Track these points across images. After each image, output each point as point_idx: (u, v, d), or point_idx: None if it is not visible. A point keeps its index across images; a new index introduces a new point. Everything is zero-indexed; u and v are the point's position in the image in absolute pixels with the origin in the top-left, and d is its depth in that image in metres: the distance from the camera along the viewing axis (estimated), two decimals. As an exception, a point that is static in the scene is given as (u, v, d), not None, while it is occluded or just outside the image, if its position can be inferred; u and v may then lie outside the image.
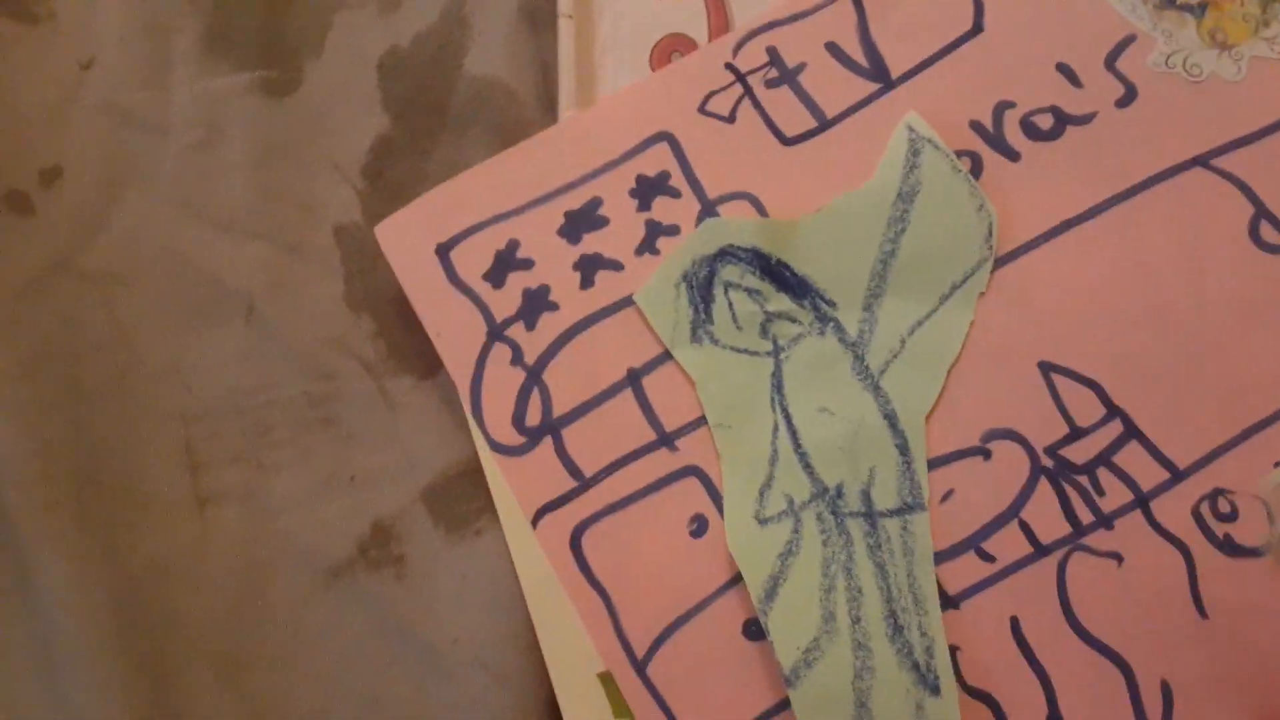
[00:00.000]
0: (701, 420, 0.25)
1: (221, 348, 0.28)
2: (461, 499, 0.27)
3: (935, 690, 0.22)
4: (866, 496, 0.23)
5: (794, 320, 0.25)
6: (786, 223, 0.25)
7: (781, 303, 0.25)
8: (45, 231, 0.28)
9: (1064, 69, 0.26)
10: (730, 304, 0.25)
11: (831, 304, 0.24)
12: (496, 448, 0.26)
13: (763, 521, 0.23)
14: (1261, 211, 0.24)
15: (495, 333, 0.26)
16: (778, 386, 0.24)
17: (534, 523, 0.25)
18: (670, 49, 0.29)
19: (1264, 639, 0.21)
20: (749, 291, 0.25)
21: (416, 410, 0.27)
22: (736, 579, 0.24)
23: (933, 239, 0.24)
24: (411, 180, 0.28)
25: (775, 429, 0.24)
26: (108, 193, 0.29)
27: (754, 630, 0.23)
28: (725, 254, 0.25)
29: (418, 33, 0.30)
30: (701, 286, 0.25)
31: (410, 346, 0.27)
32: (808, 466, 0.23)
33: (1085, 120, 0.25)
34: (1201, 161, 0.25)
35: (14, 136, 0.29)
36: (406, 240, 0.27)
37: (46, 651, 0.25)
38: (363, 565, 0.26)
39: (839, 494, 0.23)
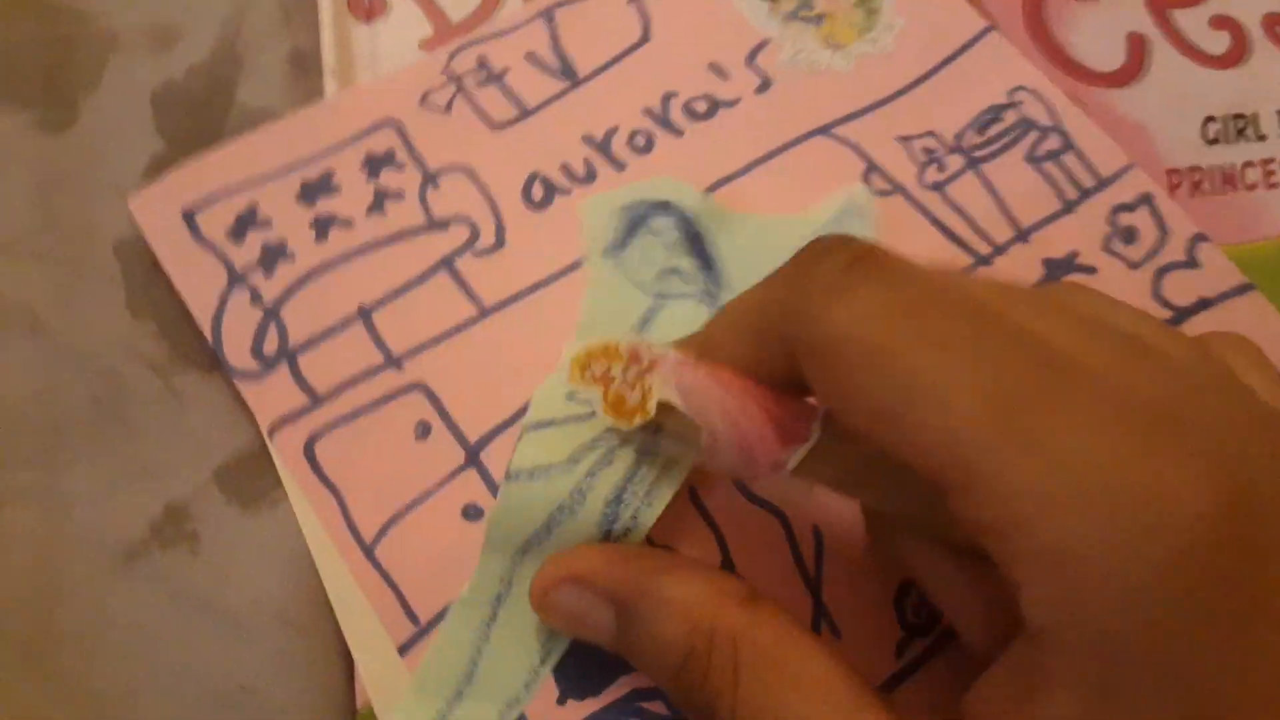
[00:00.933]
0: (426, 345, 0.29)
1: (7, 359, 0.30)
2: (254, 476, 0.29)
3: None
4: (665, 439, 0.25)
5: (684, 281, 0.29)
6: (726, 211, 0.30)
7: (683, 263, 0.29)
8: None
9: (714, 67, 0.33)
10: (645, 244, 0.30)
11: (720, 288, 0.29)
12: (235, 374, 0.29)
13: (575, 399, 0.26)
14: (871, 165, 0.32)
15: (235, 279, 0.30)
16: (644, 323, 0.29)
17: (270, 436, 0.28)
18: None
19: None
20: (665, 243, 0.30)
21: (203, 401, 0.30)
22: (456, 472, 0.28)
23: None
24: (188, 198, 0.31)
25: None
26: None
27: (471, 513, 0.27)
28: (666, 205, 0.30)
29: (190, 66, 0.33)
30: (633, 220, 0.30)
31: (193, 343, 0.30)
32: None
33: (732, 104, 0.33)
34: (822, 131, 0.32)
35: None
36: (157, 208, 0.30)
37: None
38: (157, 544, 0.28)
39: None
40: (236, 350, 0.29)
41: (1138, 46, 0.34)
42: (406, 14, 0.34)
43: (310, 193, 0.31)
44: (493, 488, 0.28)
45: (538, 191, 0.31)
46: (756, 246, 0.30)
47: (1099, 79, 0.34)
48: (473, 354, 0.29)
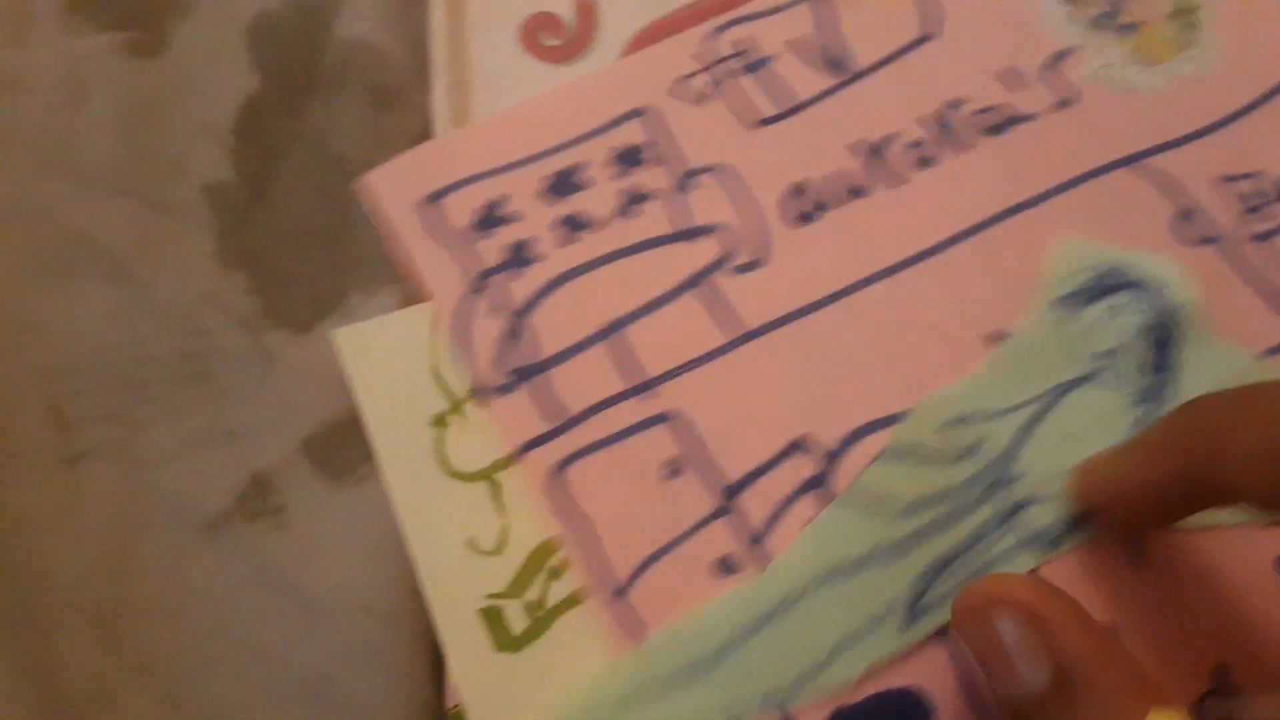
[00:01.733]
0: (680, 370, 0.26)
1: (88, 305, 0.28)
2: (343, 448, 0.27)
3: (907, 626, 0.23)
4: (1027, 503, 0.24)
5: (1119, 377, 0.26)
6: (1209, 331, 0.26)
7: (1133, 357, 0.26)
8: (-101, 191, 0.28)
9: (1008, 74, 0.29)
10: (1100, 316, 0.26)
11: (1161, 402, 0.25)
12: (480, 390, 0.26)
13: (954, 426, 0.25)
14: (1184, 209, 0.27)
15: (481, 279, 0.27)
16: (1057, 391, 0.25)
17: (519, 458, 0.26)
18: (537, 27, 0.30)
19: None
20: (1122, 326, 0.26)
21: (294, 364, 0.27)
22: (709, 520, 0.25)
23: None
24: (283, 139, 0.29)
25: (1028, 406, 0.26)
26: (-34, 151, 0.28)
27: (727, 567, 0.24)
28: (1143, 286, 0.26)
29: (286, -5, 0.30)
30: (1103, 286, 0.26)
31: (286, 302, 0.28)
32: (1020, 450, 0.25)
33: (1029, 119, 0.28)
34: (1130, 161, 0.28)
35: None
36: (397, 188, 0.28)
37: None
38: (241, 517, 0.26)
39: (1011, 482, 0.24)
40: (481, 361, 0.26)
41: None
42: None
43: (560, 187, 0.28)
44: (751, 538, 0.25)
45: (804, 204, 0.28)
46: (1212, 375, 0.26)
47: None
48: (732, 383, 0.26)
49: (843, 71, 0.29)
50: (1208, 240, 0.27)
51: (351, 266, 0.28)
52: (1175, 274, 0.26)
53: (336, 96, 0.29)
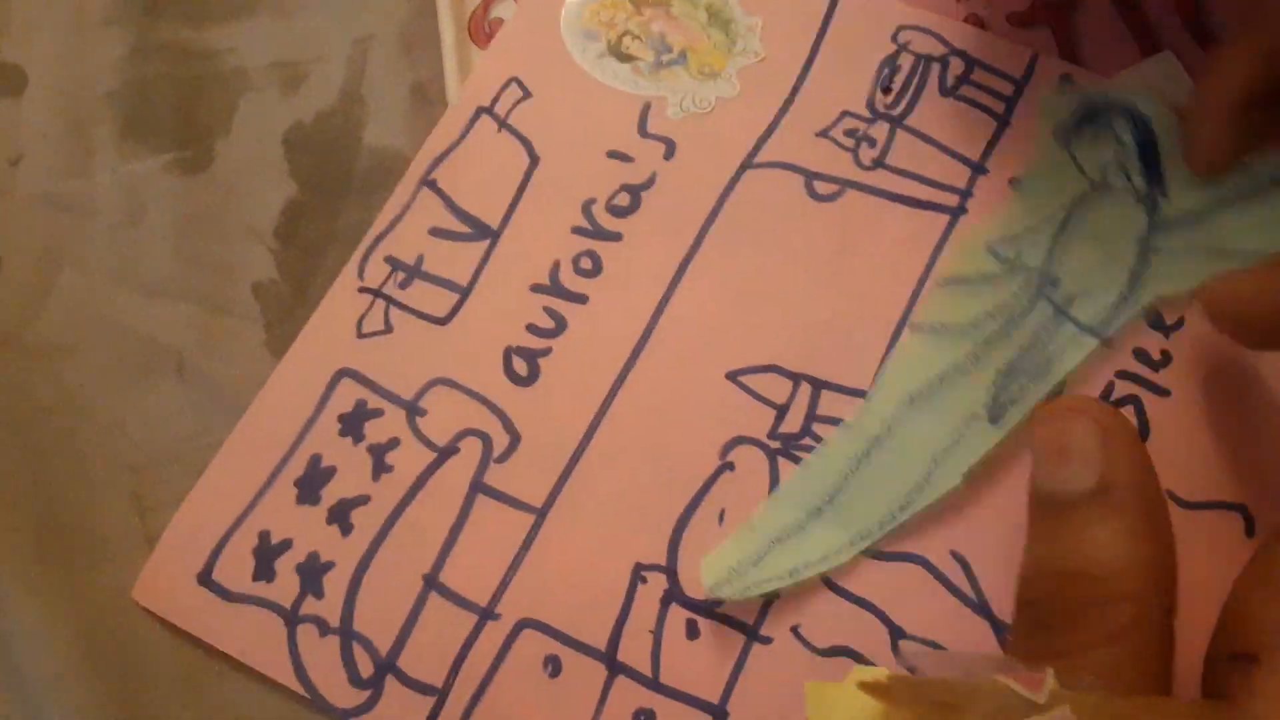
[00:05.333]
0: (506, 579, 0.27)
1: (160, 401, 0.31)
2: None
3: (995, 420, 0.27)
4: (1070, 300, 0.28)
5: (1128, 181, 0.29)
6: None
7: (1131, 168, 0.29)
8: (-9, 314, 0.31)
9: (614, 154, 0.31)
10: (1099, 137, 0.29)
11: (1165, 197, 0.28)
12: (349, 714, 0.26)
13: (994, 252, 0.29)
14: (809, 175, 0.30)
15: (292, 619, 0.27)
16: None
17: None
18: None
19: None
20: (1119, 144, 0.29)
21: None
22: (606, 688, 0.26)
23: None
24: (322, 239, 0.32)
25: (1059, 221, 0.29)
26: (45, 274, 0.32)
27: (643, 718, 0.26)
28: (1128, 110, 0.29)
29: (319, 110, 0.33)
30: (1093, 112, 0.30)
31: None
32: (1053, 257, 0.28)
33: (650, 184, 0.31)
34: (747, 165, 0.31)
35: (-47, 233, 0.32)
36: (167, 587, 0.28)
37: (19, 681, 0.28)
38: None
39: (1054, 284, 0.28)
40: (336, 690, 0.26)
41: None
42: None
43: (309, 488, 0.28)
44: (653, 683, 0.26)
45: (520, 366, 0.29)
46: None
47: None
48: (551, 564, 0.27)
49: (486, 234, 0.30)
50: (843, 187, 0.30)
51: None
52: (1146, 96, 0.29)
53: (369, 198, 0.32)
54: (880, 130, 0.30)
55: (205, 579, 0.28)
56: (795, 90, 0.31)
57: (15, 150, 0.33)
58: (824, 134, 0.31)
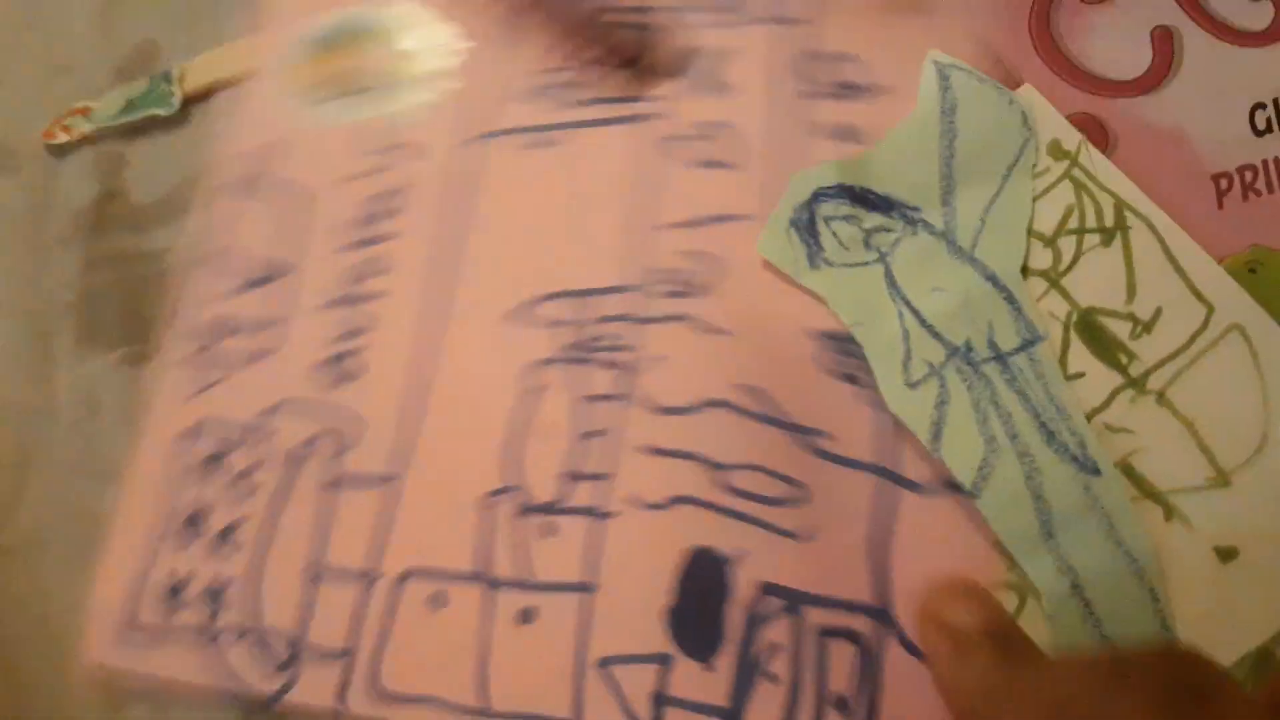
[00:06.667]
0: (382, 543, 0.31)
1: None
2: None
3: (1095, 471, 0.27)
4: (992, 344, 0.28)
5: (888, 230, 0.30)
6: (857, 160, 0.31)
7: (874, 219, 0.31)
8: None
9: (359, 175, 0.36)
10: (834, 232, 0.31)
11: (915, 209, 0.30)
12: (279, 695, 0.30)
13: (913, 385, 0.28)
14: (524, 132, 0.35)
15: (213, 633, 0.31)
16: (891, 282, 0.30)
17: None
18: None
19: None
20: (845, 218, 0.31)
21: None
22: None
23: (980, 135, 0.31)
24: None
25: (900, 314, 0.29)
26: (17, 479, 0.35)
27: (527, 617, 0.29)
28: (818, 196, 0.31)
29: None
30: (806, 226, 0.31)
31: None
32: (936, 335, 0.29)
33: (408, 185, 0.35)
34: (475, 140, 0.35)
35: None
36: (111, 636, 0.31)
37: None
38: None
39: (969, 348, 0.28)
40: (265, 680, 0.30)
41: (1165, 41, 0.31)
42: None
43: (193, 527, 0.32)
44: (527, 584, 0.29)
45: (346, 366, 0.33)
46: (900, 160, 0.31)
47: (1124, 88, 0.31)
48: (416, 518, 0.31)
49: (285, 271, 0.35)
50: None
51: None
52: (808, 173, 0.31)
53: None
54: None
55: (131, 621, 0.31)
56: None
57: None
58: (540, 92, 0.35)
